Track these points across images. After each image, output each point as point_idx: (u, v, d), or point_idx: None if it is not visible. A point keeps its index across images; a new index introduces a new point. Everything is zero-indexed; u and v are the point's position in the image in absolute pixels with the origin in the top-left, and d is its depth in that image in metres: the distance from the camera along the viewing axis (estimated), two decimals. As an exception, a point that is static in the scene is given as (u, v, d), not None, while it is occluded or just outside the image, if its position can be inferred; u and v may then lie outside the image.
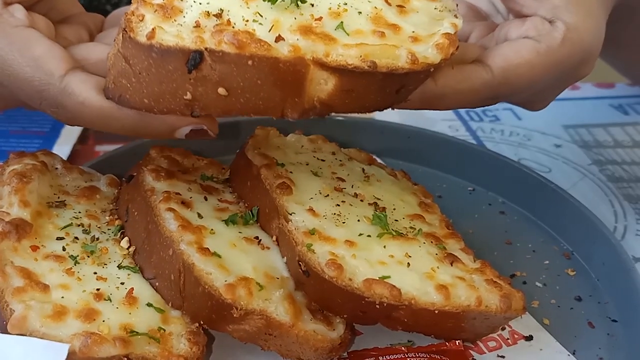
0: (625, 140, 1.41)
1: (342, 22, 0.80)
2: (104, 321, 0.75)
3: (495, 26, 0.96)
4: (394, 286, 0.78)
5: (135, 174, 0.93)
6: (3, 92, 0.85)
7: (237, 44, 0.73)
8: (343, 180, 0.95)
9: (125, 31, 0.75)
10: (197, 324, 0.79)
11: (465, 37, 0.98)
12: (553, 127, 1.45)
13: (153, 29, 0.74)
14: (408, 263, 0.82)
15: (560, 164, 1.33)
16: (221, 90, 0.74)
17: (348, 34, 0.79)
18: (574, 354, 0.89)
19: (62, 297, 0.76)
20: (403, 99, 0.81)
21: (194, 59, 0.73)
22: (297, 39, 0.76)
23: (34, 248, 0.81)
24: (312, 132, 1.05)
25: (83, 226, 0.88)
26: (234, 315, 0.77)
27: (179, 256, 0.79)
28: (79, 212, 0.89)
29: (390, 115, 1.04)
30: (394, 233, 0.86)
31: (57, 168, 0.95)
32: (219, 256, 0.80)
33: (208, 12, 0.78)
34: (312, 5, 0.81)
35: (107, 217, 0.90)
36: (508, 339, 0.90)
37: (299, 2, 0.80)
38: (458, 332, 0.84)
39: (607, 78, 1.60)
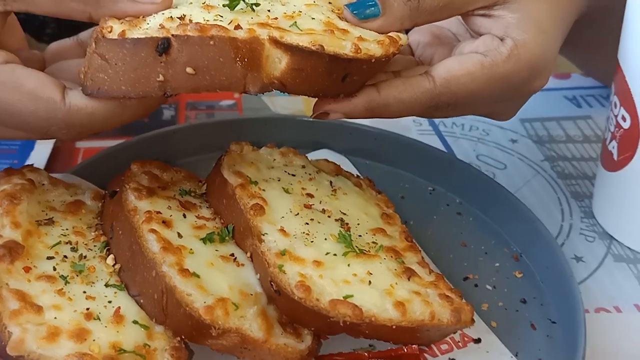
0: (576, 135, 1.50)
1: (295, 22, 0.91)
2: (94, 340, 0.83)
3: (452, 45, 1.03)
4: (356, 306, 0.87)
5: (117, 190, 1.00)
6: (4, 132, 0.90)
7: (200, 28, 0.86)
8: (312, 196, 1.02)
9: (98, 36, 0.87)
10: (178, 339, 0.88)
11: (427, 60, 1.05)
12: (511, 121, 1.54)
13: (123, 31, 0.87)
14: (370, 281, 0.91)
15: (516, 160, 1.42)
16: (189, 70, 0.86)
17: (301, 31, 0.90)
18: (516, 355, 0.99)
19: (55, 318, 0.84)
20: (349, 87, 0.92)
21: (163, 44, 0.85)
22: (254, 28, 0.88)
23: (27, 269, 0.88)
24: (285, 143, 1.13)
25: (71, 244, 0.94)
26: (213, 334, 0.85)
27: (161, 278, 0.87)
28: (67, 229, 0.96)
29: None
30: (358, 251, 0.94)
31: (43, 184, 1.01)
32: (198, 276, 0.88)
33: (171, 16, 0.88)
34: (269, 10, 0.93)
35: (92, 233, 0.97)
36: (459, 341, 1.00)
37: (253, 6, 0.91)
38: (414, 340, 0.94)
39: (562, 68, 1.69)
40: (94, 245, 0.96)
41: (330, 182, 1.08)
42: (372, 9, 0.91)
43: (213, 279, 0.89)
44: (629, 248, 1.20)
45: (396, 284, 0.92)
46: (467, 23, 1.01)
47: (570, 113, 1.58)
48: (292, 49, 0.86)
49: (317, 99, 0.93)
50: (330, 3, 1.00)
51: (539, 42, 0.96)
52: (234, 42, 0.85)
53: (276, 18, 0.91)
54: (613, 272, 1.17)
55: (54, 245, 0.93)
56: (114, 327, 0.85)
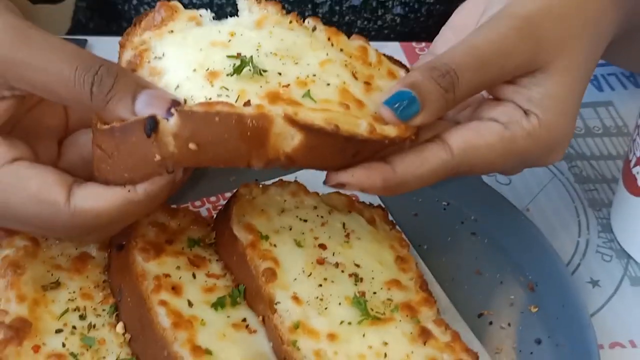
0: (596, 126, 1.45)
1: (309, 90, 0.86)
2: None
3: (471, 101, 0.97)
4: (372, 388, 0.86)
5: (123, 243, 0.97)
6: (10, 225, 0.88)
7: (205, 104, 0.81)
8: (325, 248, 0.99)
9: (93, 128, 0.86)
10: (193, 415, 0.87)
11: None
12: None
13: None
14: (385, 353, 0.90)
15: (532, 160, 1.37)
16: (192, 146, 0.81)
17: (315, 101, 0.85)
18: (530, 408, 0.99)
19: (68, 403, 0.83)
20: (358, 162, 0.88)
21: (150, 124, 0.81)
22: (264, 104, 0.83)
23: (36, 348, 0.87)
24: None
25: (79, 310, 0.92)
26: (228, 419, 0.85)
27: (173, 359, 0.85)
28: (74, 292, 0.94)
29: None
30: (372, 317, 0.92)
31: (47, 239, 0.97)
32: (210, 353, 0.87)
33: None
34: (280, 74, 0.87)
35: (100, 294, 0.95)
36: (473, 393, 1.00)
37: (261, 72, 0.86)
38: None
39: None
40: (103, 310, 0.94)
41: (343, 224, 1.04)
42: (412, 106, 0.85)
43: (226, 354, 0.88)
44: (646, 271, 1.18)
45: (412, 352, 0.91)
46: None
47: (589, 98, 1.50)
48: (307, 128, 0.81)
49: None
50: (342, 51, 0.94)
51: (563, 123, 0.92)
52: (240, 118, 0.80)
53: (288, 85, 0.85)
54: (629, 299, 1.15)
55: (62, 315, 0.91)
56: (129, 409, 0.85)
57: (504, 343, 1.06)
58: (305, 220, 1.02)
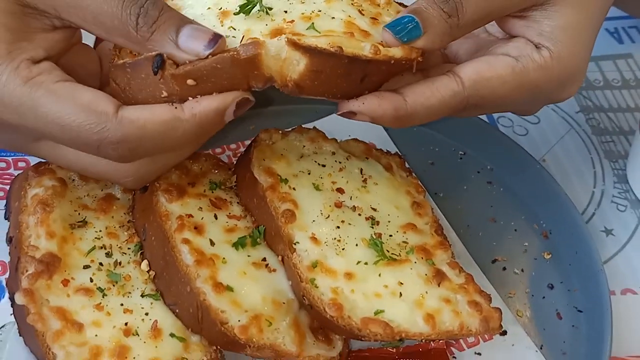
0: (615, 79, 1.45)
1: (312, 23, 0.87)
2: (134, 358, 0.86)
3: (485, 44, 0.98)
4: (387, 324, 0.89)
5: (147, 185, 0.99)
6: (54, 152, 0.90)
7: None
8: (342, 192, 1.01)
9: (110, 62, 0.90)
10: (214, 348, 0.91)
11: (452, 55, 1.00)
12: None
13: (130, 53, 0.89)
14: (400, 292, 0.92)
15: (550, 112, 1.38)
16: (190, 82, 0.85)
17: (319, 32, 0.87)
18: (541, 348, 1.02)
19: (96, 336, 0.87)
20: (367, 88, 0.89)
21: (157, 62, 0.84)
22: (267, 40, 0.85)
23: (65, 282, 0.90)
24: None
25: (105, 248, 0.96)
26: (247, 352, 0.88)
27: (196, 295, 0.88)
28: (100, 231, 0.97)
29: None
30: (388, 258, 0.95)
31: (73, 180, 1.01)
32: (232, 289, 0.90)
33: None
34: (285, 12, 0.89)
35: (125, 233, 0.98)
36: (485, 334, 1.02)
37: (267, 10, 0.88)
38: (441, 338, 0.97)
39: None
40: (128, 248, 0.97)
41: (361, 170, 1.06)
42: (413, 29, 0.86)
43: (246, 291, 0.91)
44: (660, 220, 1.20)
45: (426, 292, 0.94)
46: (499, 22, 0.95)
47: (609, 51, 1.50)
48: (310, 51, 0.83)
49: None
50: None
51: (574, 54, 0.92)
52: (229, 51, 0.82)
53: (292, 21, 0.87)
54: (643, 247, 1.17)
55: (89, 252, 0.94)
56: (153, 342, 0.88)
57: (517, 288, 1.08)
58: (324, 165, 1.04)
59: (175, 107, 0.85)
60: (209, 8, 0.88)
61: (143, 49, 0.84)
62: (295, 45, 0.83)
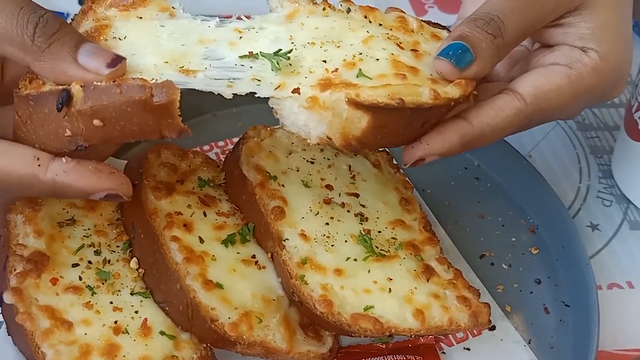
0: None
1: (360, 69, 0.84)
2: (124, 356, 0.86)
3: (519, 57, 0.98)
4: (377, 320, 0.89)
5: (136, 182, 0.99)
6: None
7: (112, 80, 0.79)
8: (331, 188, 1.02)
9: (14, 92, 0.82)
10: (204, 345, 0.91)
11: (494, 73, 1.00)
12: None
13: (37, 85, 0.81)
14: (389, 288, 0.93)
15: (535, 108, 1.38)
16: (96, 122, 0.79)
17: (370, 78, 0.84)
18: (529, 343, 1.02)
19: (85, 334, 0.87)
20: (426, 131, 0.87)
21: (62, 97, 0.78)
22: (316, 93, 0.81)
23: (54, 281, 0.90)
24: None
25: (94, 246, 0.95)
26: (238, 349, 0.88)
27: (186, 292, 0.88)
28: (88, 229, 0.97)
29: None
30: (377, 254, 0.95)
31: (61, 178, 1.00)
32: (221, 286, 0.90)
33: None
34: (325, 61, 0.86)
35: (114, 231, 0.98)
36: (474, 329, 1.03)
37: (291, 63, 0.84)
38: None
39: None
40: (117, 246, 0.97)
41: (349, 167, 1.06)
42: (465, 55, 0.84)
43: (236, 288, 0.91)
44: (645, 216, 1.21)
45: (415, 288, 0.94)
46: (534, 34, 0.94)
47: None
48: (373, 109, 0.79)
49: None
50: (381, 25, 0.92)
51: (619, 52, 0.92)
52: (142, 89, 0.77)
53: (337, 69, 0.83)
54: (628, 242, 1.18)
55: (78, 250, 0.94)
56: (142, 340, 0.88)
57: (505, 283, 1.09)
58: (312, 162, 1.05)
59: (39, 165, 0.81)
60: (166, 62, 0.83)
61: (36, 60, 0.79)
62: (356, 104, 0.79)
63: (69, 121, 0.79)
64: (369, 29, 0.91)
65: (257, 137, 1.05)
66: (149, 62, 0.83)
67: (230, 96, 0.81)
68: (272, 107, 0.83)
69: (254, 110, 1.24)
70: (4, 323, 0.92)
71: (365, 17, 0.94)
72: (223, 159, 1.11)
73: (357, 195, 1.03)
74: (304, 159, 1.05)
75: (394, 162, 1.14)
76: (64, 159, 0.82)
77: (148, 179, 0.98)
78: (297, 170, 1.03)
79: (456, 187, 1.21)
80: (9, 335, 0.92)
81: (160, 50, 0.84)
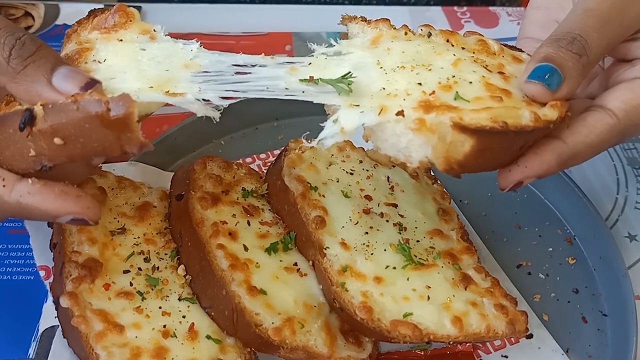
0: None
1: (457, 92, 0.86)
2: (172, 359, 0.90)
3: (594, 74, 0.99)
4: (416, 326, 0.92)
5: (183, 193, 1.03)
6: None
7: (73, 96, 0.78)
8: (370, 199, 1.05)
9: None
10: (249, 350, 0.94)
11: None
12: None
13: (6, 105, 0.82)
14: (428, 296, 0.95)
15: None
16: (57, 141, 0.79)
17: (468, 101, 0.85)
18: (567, 352, 1.04)
19: (136, 337, 0.91)
20: (522, 153, 0.88)
21: (25, 117, 0.79)
22: (420, 114, 0.82)
23: (107, 286, 0.94)
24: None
25: (143, 253, 1.00)
26: (281, 353, 0.92)
27: (231, 298, 0.92)
28: (138, 238, 1.01)
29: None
30: (416, 263, 0.98)
31: (112, 189, 1.05)
32: (265, 293, 0.94)
33: None
34: (420, 84, 0.86)
35: (162, 240, 1.02)
36: (512, 337, 1.05)
37: (351, 88, 0.85)
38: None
39: None
40: (165, 254, 1.01)
41: (388, 178, 1.09)
42: (555, 76, 0.85)
43: (279, 294, 0.95)
44: (683, 227, 1.21)
45: (453, 296, 0.96)
46: (612, 51, 0.95)
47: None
48: (478, 132, 0.80)
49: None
50: (463, 49, 0.93)
51: None
52: (99, 103, 0.77)
53: (433, 92, 0.84)
54: (666, 252, 1.19)
55: (129, 257, 0.98)
56: (190, 343, 0.92)
57: (542, 292, 1.11)
58: (352, 173, 1.08)
59: (4, 185, 0.81)
60: (150, 87, 0.83)
61: (11, 82, 0.81)
62: (461, 127, 0.80)
63: (32, 141, 0.79)
64: (455, 52, 0.91)
65: (298, 149, 1.09)
66: (131, 86, 0.83)
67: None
68: (365, 130, 0.85)
69: (293, 123, 1.28)
70: (60, 326, 0.97)
71: (447, 40, 0.95)
72: (265, 171, 1.14)
73: (395, 206, 1.06)
74: (343, 170, 1.08)
75: (432, 173, 1.17)
76: (30, 180, 0.82)
77: (195, 190, 1.02)
78: (337, 181, 1.06)
79: (493, 198, 1.23)
80: (64, 337, 0.96)
81: (144, 75, 0.85)
